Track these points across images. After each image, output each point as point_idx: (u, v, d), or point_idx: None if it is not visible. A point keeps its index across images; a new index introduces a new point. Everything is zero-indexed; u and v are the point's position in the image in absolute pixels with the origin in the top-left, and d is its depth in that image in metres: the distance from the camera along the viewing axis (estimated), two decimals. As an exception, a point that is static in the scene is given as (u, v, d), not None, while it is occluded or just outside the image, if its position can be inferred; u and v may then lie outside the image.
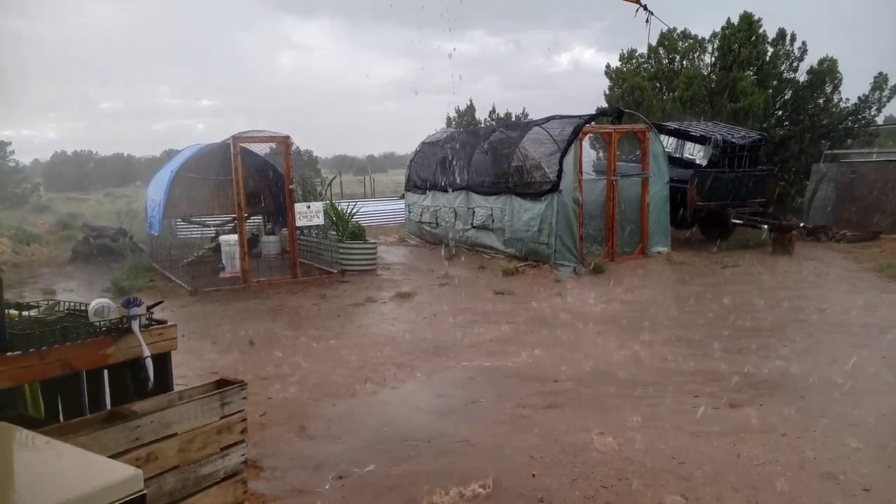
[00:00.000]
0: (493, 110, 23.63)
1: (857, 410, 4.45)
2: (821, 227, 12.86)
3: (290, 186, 10.30)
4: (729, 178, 12.48)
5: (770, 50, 16.35)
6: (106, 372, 2.95)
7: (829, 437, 4.03)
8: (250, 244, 10.71)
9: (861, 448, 3.87)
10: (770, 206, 13.17)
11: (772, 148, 15.22)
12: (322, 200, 11.95)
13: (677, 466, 3.71)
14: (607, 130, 11.20)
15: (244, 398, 2.87)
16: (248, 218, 11.15)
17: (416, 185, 15.03)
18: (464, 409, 4.75)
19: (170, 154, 25.24)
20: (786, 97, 16.51)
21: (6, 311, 2.70)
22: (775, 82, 16.28)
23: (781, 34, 16.37)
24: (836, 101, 16.16)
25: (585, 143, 11.00)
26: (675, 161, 12.78)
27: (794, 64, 16.39)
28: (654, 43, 17.31)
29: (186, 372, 5.36)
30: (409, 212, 15.41)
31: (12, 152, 33.06)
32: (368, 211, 17.40)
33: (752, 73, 16.11)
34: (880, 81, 15.73)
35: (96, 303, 2.87)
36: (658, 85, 17.62)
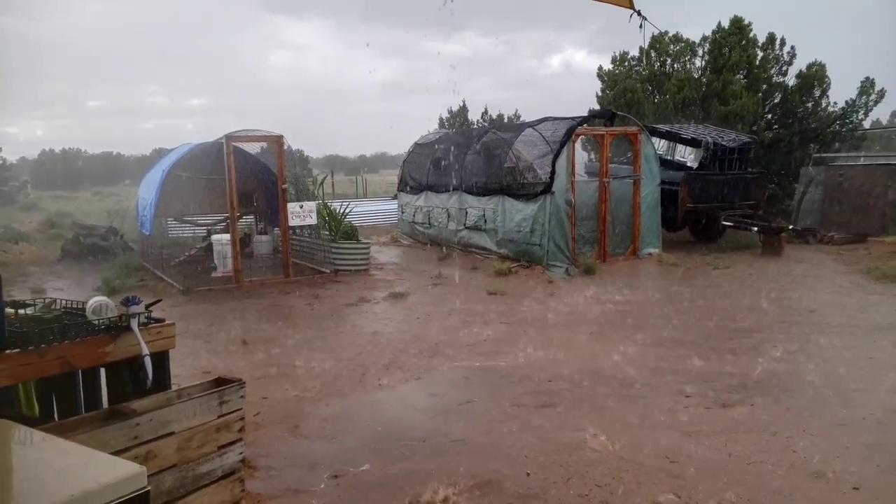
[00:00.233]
0: (486, 111, 23.74)
1: (847, 410, 4.51)
2: (809, 229, 13.02)
3: (284, 186, 10.28)
4: (719, 180, 12.59)
5: (760, 54, 16.51)
6: (103, 370, 2.95)
7: (819, 437, 4.09)
8: (242, 244, 10.67)
9: (850, 447, 3.93)
10: (760, 208, 13.31)
11: (761, 151, 15.35)
12: (314, 200, 11.93)
13: (670, 465, 3.75)
14: (599, 132, 11.27)
15: (242, 397, 2.87)
16: (240, 217, 11.12)
17: (408, 185, 15.03)
18: (458, 408, 4.77)
19: (160, 153, 25.05)
20: (775, 101, 16.68)
21: (3, 308, 2.69)
22: (765, 86, 16.43)
23: (771, 38, 16.54)
24: (824, 105, 16.34)
25: (578, 144, 11.04)
26: (666, 163, 12.88)
27: (784, 68, 16.57)
28: (647, 47, 17.44)
29: (179, 371, 5.33)
30: (402, 212, 15.41)
31: (-1, 149, 32.81)
32: (361, 211, 17.37)
33: (742, 76, 16.26)
34: (867, 86, 15.93)
35: (94, 301, 2.86)
36: (650, 88, 17.74)
